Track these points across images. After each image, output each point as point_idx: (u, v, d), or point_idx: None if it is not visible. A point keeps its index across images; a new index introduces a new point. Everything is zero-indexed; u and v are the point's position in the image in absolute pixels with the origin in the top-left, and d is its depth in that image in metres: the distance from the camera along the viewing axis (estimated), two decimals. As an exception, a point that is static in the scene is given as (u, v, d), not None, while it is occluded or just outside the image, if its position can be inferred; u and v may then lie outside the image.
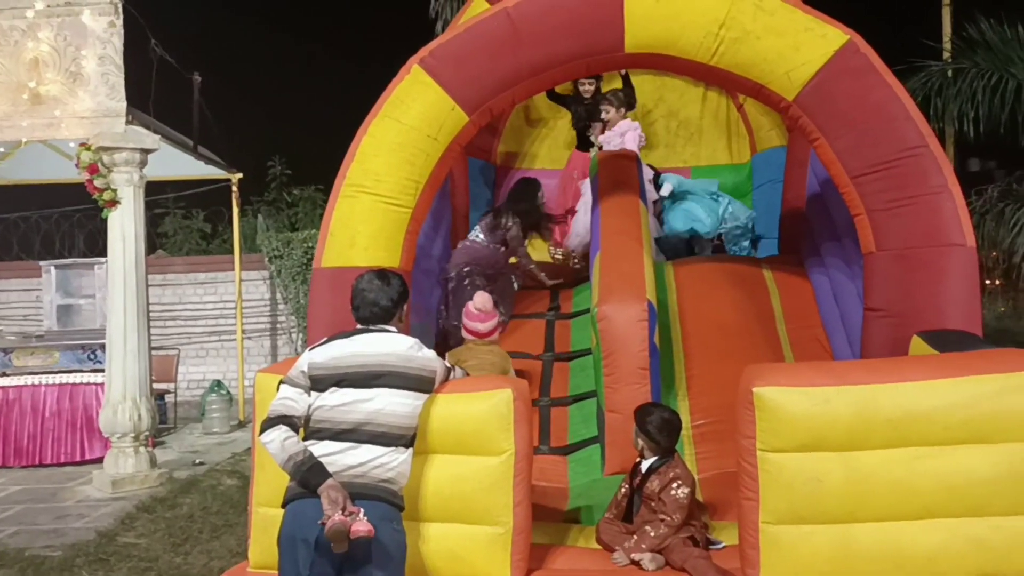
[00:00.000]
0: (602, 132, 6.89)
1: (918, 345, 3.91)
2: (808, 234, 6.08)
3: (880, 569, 3.15)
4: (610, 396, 4.41)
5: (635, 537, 3.61)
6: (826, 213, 5.64)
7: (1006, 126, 8.69)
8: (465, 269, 5.78)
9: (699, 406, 4.83)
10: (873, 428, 3.13)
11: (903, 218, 4.19)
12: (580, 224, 6.62)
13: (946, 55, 9.55)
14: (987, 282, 10.08)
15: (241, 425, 9.60)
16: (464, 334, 4.77)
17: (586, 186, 6.61)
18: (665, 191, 6.63)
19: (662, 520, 3.58)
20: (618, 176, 5.81)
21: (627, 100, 6.93)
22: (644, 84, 7.40)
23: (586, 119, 7.13)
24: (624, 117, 6.82)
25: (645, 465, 3.75)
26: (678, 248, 6.63)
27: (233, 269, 10.52)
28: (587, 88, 7.12)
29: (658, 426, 3.72)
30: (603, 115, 6.86)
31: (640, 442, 3.78)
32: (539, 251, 6.70)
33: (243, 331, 10.54)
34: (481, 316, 4.73)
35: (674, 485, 3.62)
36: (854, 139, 4.29)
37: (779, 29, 4.27)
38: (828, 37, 4.27)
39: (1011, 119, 8.62)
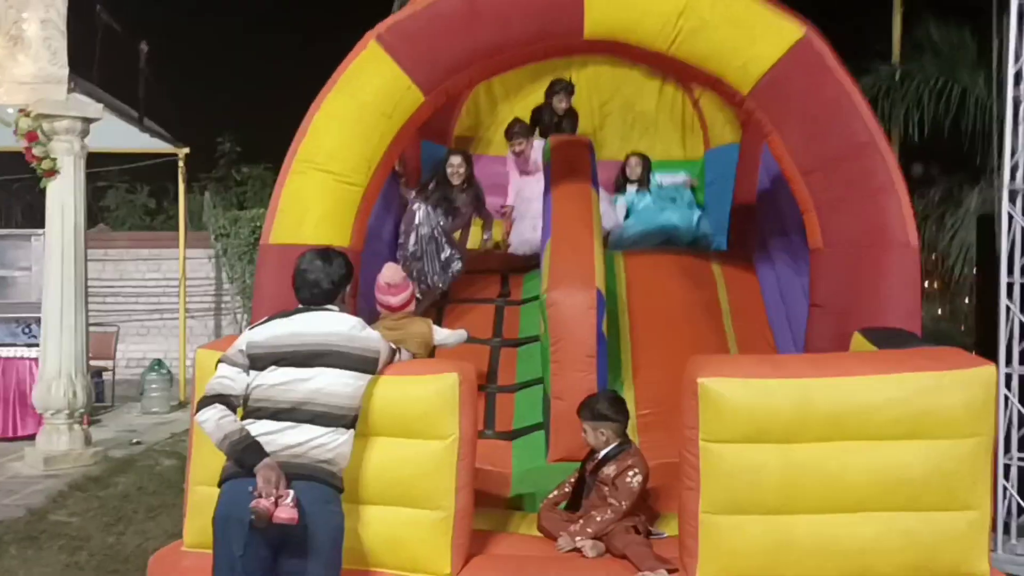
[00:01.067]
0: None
1: (859, 341, 3.97)
2: (757, 229, 6.15)
3: (814, 560, 3.20)
4: (556, 382, 4.41)
5: (581, 522, 3.61)
6: (775, 209, 5.71)
7: (949, 131, 8.90)
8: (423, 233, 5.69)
9: (644, 396, 4.86)
10: (811, 421, 3.17)
11: (850, 215, 4.26)
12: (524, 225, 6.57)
13: (895, 58, 9.73)
14: (925, 285, 10.34)
15: (181, 405, 9.42)
16: (378, 309, 4.57)
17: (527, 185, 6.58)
18: (620, 213, 6.66)
19: (610, 505, 3.59)
20: (571, 162, 5.80)
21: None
22: (602, 75, 7.40)
23: (551, 133, 6.83)
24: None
25: (603, 452, 3.75)
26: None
27: (177, 246, 10.29)
28: (562, 107, 6.93)
29: (610, 402, 3.75)
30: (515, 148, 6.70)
31: (595, 435, 3.76)
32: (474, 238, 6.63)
33: (186, 310, 10.33)
34: (392, 289, 4.53)
35: (630, 473, 3.64)
36: (806, 134, 4.33)
37: (737, 20, 4.29)
38: (785, 31, 4.30)
39: (954, 124, 8.83)
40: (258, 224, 11.21)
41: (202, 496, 3.42)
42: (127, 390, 10.02)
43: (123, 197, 14.37)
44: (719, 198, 6.97)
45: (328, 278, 3.21)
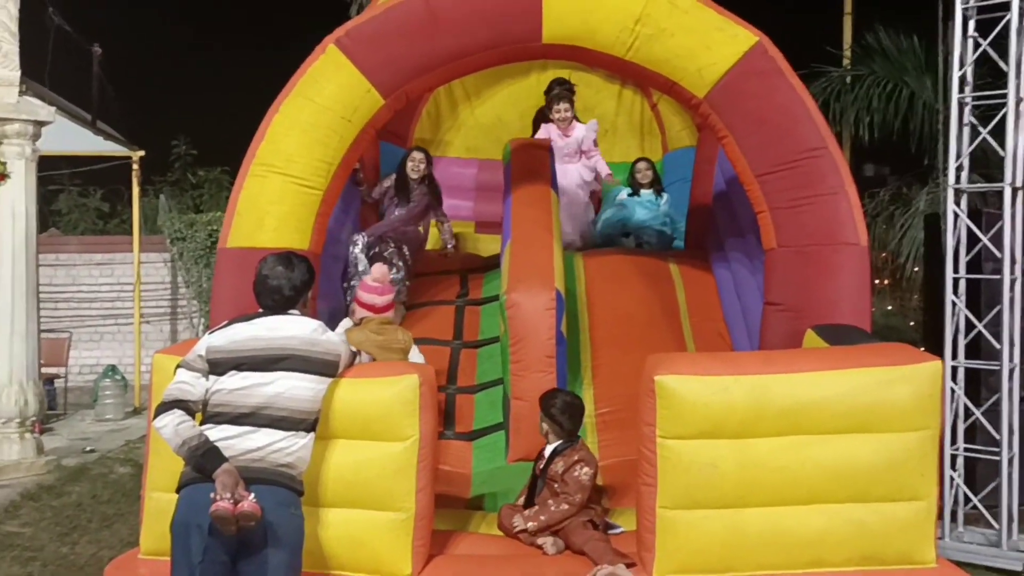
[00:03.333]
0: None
1: (811, 338, 4.08)
2: (714, 230, 6.26)
3: (769, 552, 3.29)
4: (516, 383, 4.45)
5: (536, 508, 3.67)
6: (731, 210, 5.82)
7: (898, 133, 9.13)
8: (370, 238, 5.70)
9: (603, 395, 4.92)
10: (766, 417, 3.26)
11: (802, 216, 4.37)
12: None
13: (846, 62, 9.96)
14: (876, 281, 10.59)
15: (136, 412, 9.27)
16: (357, 310, 4.54)
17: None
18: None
19: (564, 498, 3.65)
20: (530, 165, 5.86)
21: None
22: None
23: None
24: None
25: (549, 449, 3.81)
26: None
27: (132, 250, 10.14)
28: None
29: (561, 408, 3.81)
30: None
31: (545, 427, 3.85)
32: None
33: (141, 315, 10.17)
34: (379, 289, 4.54)
35: (577, 467, 3.70)
36: (760, 138, 4.43)
37: (692, 27, 4.38)
38: (738, 38, 4.40)
39: (903, 126, 9.06)
40: (215, 228, 11.07)
41: (159, 503, 3.40)
42: (80, 397, 9.84)
43: (75, 201, 14.10)
44: (677, 200, 7.07)
45: (290, 284, 3.19)
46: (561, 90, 6.75)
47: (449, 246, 6.48)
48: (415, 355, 4.51)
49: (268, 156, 4.43)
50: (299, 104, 4.47)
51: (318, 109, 4.45)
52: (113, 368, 9.35)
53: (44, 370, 7.67)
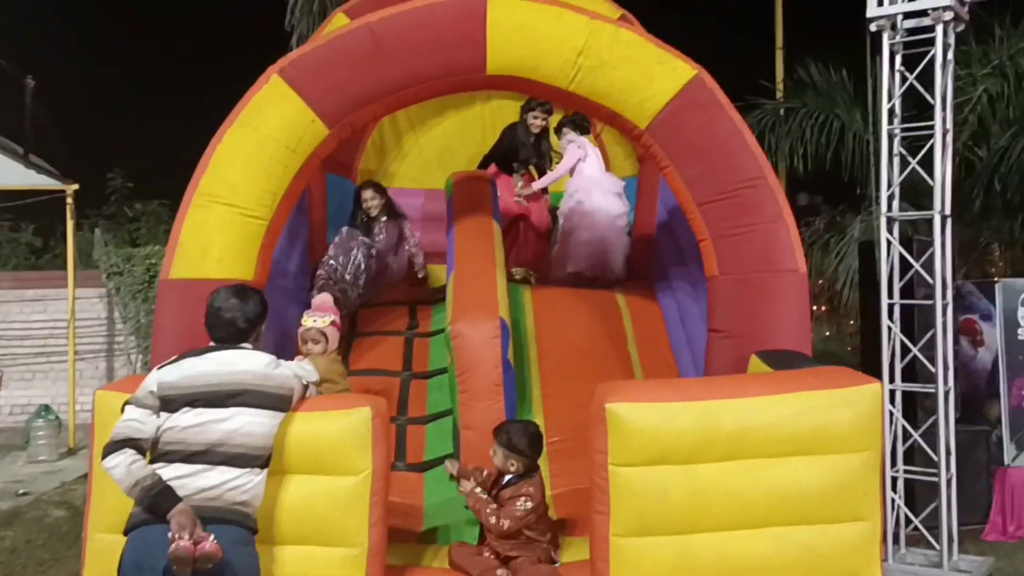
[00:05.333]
0: (527, 182, 6.64)
1: (756, 364, 4.15)
2: (657, 259, 6.35)
3: (719, 576, 3.30)
4: (464, 412, 4.45)
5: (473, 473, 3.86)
6: (674, 239, 5.92)
7: (831, 163, 9.40)
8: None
9: (554, 424, 4.93)
10: (714, 442, 3.29)
11: (742, 244, 4.46)
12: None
13: (779, 95, 10.25)
14: (814, 308, 10.84)
15: (71, 452, 8.96)
16: (306, 339, 4.49)
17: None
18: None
19: (498, 514, 3.69)
20: (473, 197, 5.89)
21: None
22: (506, 108, 7.53)
23: (521, 150, 6.72)
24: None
25: (506, 478, 3.82)
26: None
27: (66, 286, 9.85)
28: (537, 124, 6.69)
29: (530, 439, 3.82)
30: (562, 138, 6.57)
31: (506, 462, 3.83)
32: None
33: (76, 352, 9.86)
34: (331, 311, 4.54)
35: (521, 499, 3.73)
36: (700, 168, 4.53)
37: (634, 60, 4.48)
38: (678, 71, 4.51)
39: (835, 157, 9.34)
40: (153, 261, 10.82)
41: (102, 544, 3.29)
42: (11, 438, 9.47)
43: (6, 236, 13.67)
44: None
45: (244, 316, 3.16)
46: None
47: (420, 274, 6.46)
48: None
49: (211, 186, 4.37)
50: (243, 134, 4.43)
51: (262, 139, 4.42)
52: (46, 408, 9.04)
53: (-27, 411, 7.38)
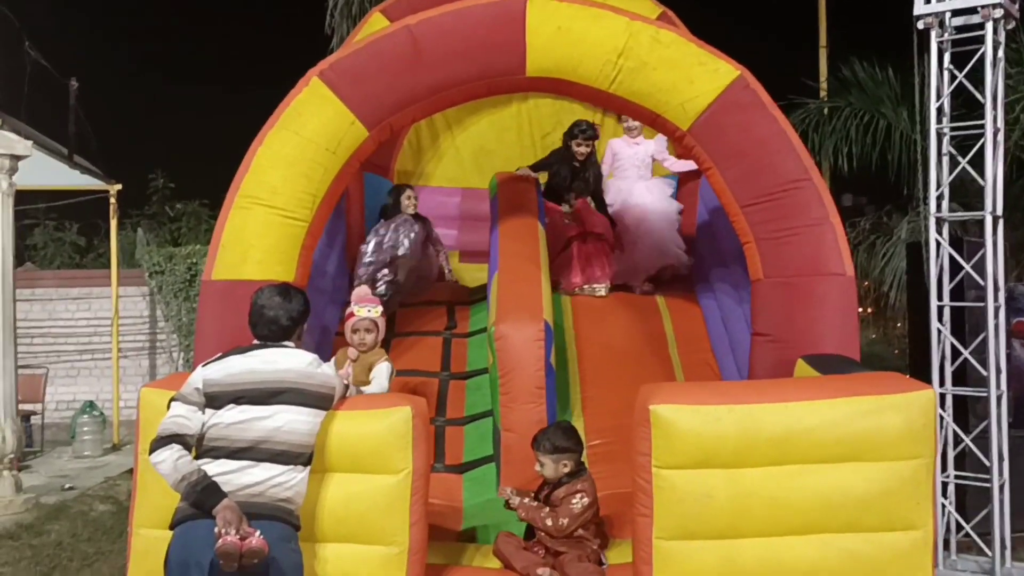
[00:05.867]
0: (578, 199, 6.38)
1: (802, 368, 4.11)
2: (698, 260, 6.30)
3: (764, 582, 3.27)
4: (506, 415, 4.45)
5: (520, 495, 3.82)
6: (715, 240, 5.87)
7: (876, 163, 9.27)
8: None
9: (594, 427, 4.92)
10: (757, 446, 3.26)
11: (788, 247, 4.41)
12: None
13: (823, 94, 10.13)
14: (859, 310, 10.71)
15: (115, 448, 9.15)
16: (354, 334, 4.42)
17: None
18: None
19: (553, 515, 3.69)
20: (517, 199, 5.89)
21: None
22: (543, 107, 7.54)
23: (570, 181, 6.40)
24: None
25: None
26: None
27: (109, 284, 10.06)
28: (581, 151, 6.33)
29: (565, 433, 3.84)
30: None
31: (557, 467, 3.81)
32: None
33: (119, 349, 10.06)
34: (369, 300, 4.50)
35: (576, 496, 3.73)
36: (743, 170, 4.48)
37: (674, 62, 4.44)
38: (720, 72, 4.46)
39: (881, 157, 9.20)
40: (194, 261, 11.03)
41: (147, 540, 3.35)
42: (57, 434, 9.69)
43: (51, 235, 14.01)
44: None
45: (287, 315, 3.20)
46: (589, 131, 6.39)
47: (447, 273, 6.48)
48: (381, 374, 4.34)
49: (252, 188, 4.42)
50: (283, 137, 4.47)
51: (302, 142, 4.45)
52: (91, 404, 9.24)
53: (21, 407, 7.56)
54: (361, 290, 4.65)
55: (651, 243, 6.24)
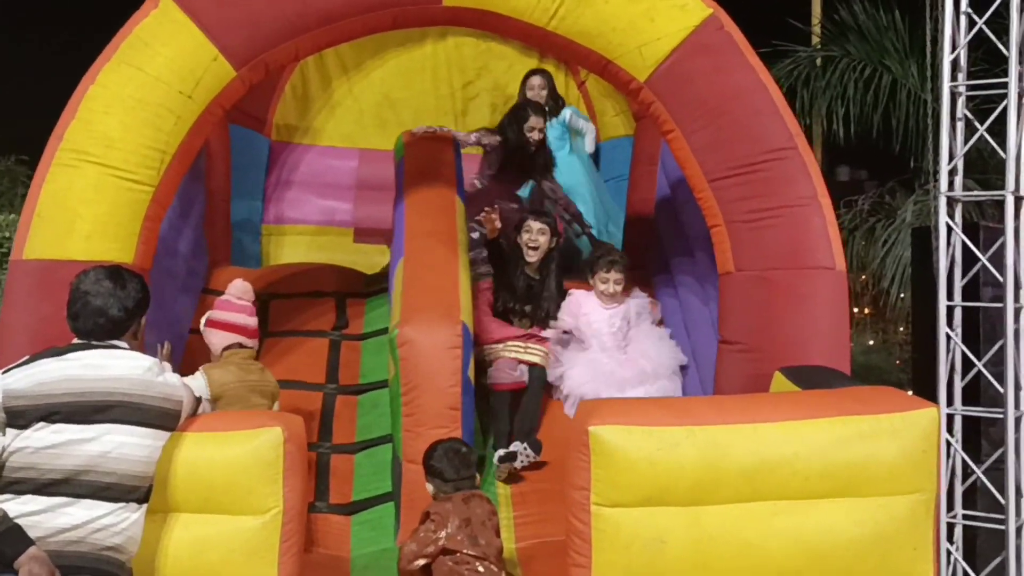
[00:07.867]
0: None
1: (780, 381, 4.21)
2: (657, 246, 6.39)
3: (729, 649, 3.34)
4: (409, 442, 4.46)
5: None
6: (678, 222, 5.96)
7: (879, 128, 9.50)
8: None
9: (521, 458, 4.95)
10: (724, 478, 3.33)
11: (766, 233, 4.52)
12: None
13: (815, 41, 10.33)
14: (854, 310, 10.96)
15: None
16: (218, 337, 4.58)
17: None
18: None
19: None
20: (430, 163, 5.88)
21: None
22: (465, 48, 7.60)
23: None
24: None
25: None
26: None
27: None
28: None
29: (447, 454, 3.94)
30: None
31: (430, 486, 3.96)
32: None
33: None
34: (246, 308, 4.60)
35: (426, 522, 3.86)
36: (713, 134, 4.57)
37: (632, -7, 4.50)
38: (688, 8, 4.55)
39: (885, 120, 9.42)
40: (6, 234, 10.75)
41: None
42: None
43: None
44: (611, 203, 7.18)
45: (119, 305, 3.15)
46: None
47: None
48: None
49: (81, 140, 4.38)
50: (123, 74, 4.44)
51: (148, 81, 4.43)
52: None
53: None
54: (237, 285, 4.68)
55: None
